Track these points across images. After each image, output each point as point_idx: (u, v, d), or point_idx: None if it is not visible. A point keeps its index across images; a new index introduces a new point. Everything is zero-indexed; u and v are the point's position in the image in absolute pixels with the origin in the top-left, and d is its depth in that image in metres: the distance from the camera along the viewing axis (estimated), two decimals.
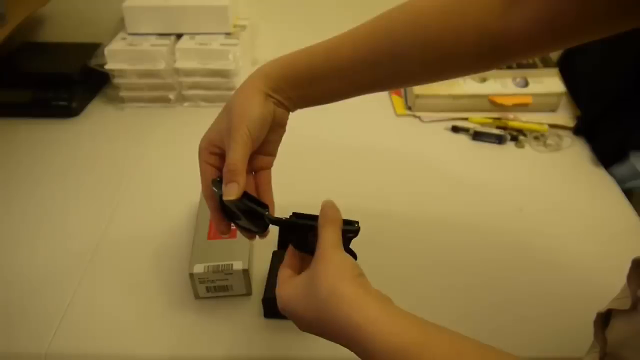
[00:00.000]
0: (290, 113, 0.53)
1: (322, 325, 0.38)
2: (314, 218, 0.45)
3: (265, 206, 0.49)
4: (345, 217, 0.45)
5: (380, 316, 0.36)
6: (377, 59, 0.48)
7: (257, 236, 0.52)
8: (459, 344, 0.35)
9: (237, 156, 0.46)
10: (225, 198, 0.46)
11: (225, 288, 0.60)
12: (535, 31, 0.41)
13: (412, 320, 0.36)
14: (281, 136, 0.53)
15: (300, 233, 0.46)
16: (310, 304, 0.39)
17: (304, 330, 0.42)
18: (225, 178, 0.47)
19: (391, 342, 0.34)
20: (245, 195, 0.47)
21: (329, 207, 0.44)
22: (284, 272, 0.45)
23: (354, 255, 0.45)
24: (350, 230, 0.45)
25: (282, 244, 0.48)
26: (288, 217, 0.47)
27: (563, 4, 0.39)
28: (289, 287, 0.42)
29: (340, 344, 0.38)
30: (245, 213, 0.48)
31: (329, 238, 0.42)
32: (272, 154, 0.54)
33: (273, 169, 0.54)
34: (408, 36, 0.47)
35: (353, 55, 0.48)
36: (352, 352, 0.37)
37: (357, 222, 0.46)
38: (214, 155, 0.51)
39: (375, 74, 0.49)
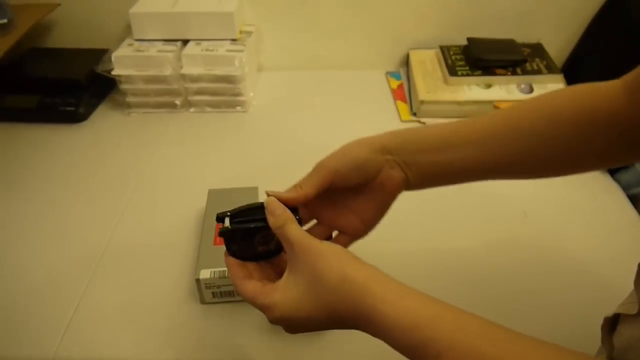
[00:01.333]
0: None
1: (335, 316, 0.39)
2: (259, 219, 0.45)
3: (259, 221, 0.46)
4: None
5: (391, 295, 0.37)
6: (507, 138, 0.48)
7: None
8: (464, 317, 0.37)
9: (306, 179, 0.48)
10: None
11: (231, 293, 0.61)
12: None
13: (419, 296, 0.38)
14: (382, 207, 0.52)
15: (249, 237, 0.46)
16: (320, 300, 0.39)
17: (307, 331, 0.43)
18: None
19: (404, 319, 0.36)
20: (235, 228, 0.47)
21: (277, 206, 0.44)
22: (253, 284, 0.44)
23: None
24: (299, 220, 0.45)
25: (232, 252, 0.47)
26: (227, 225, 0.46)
27: None
28: (280, 293, 0.42)
29: (353, 328, 0.39)
30: (250, 239, 0.47)
31: (300, 233, 0.42)
32: (364, 225, 0.52)
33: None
34: (542, 117, 0.47)
35: (484, 128, 0.48)
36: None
37: (297, 209, 0.46)
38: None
39: (502, 152, 0.48)
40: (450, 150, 0.49)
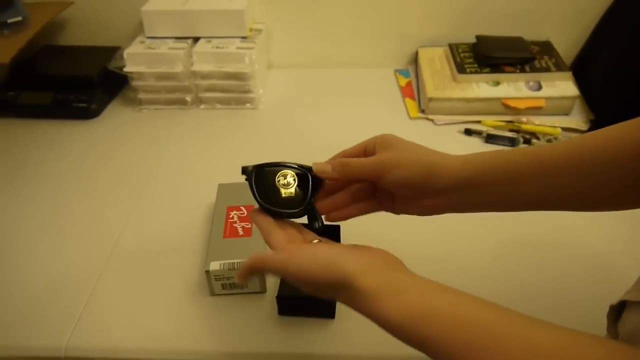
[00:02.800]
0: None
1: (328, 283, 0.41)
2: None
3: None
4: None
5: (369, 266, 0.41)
6: (574, 166, 0.48)
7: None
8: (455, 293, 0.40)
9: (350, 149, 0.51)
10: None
11: (240, 285, 0.62)
12: None
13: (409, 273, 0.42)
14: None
15: (270, 176, 0.51)
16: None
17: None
18: None
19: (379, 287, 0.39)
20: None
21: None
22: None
23: (321, 220, 0.50)
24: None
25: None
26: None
27: None
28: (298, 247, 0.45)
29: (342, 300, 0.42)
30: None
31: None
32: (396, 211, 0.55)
33: None
34: (600, 149, 0.46)
35: (554, 156, 0.48)
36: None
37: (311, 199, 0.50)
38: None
39: (564, 182, 0.49)
40: (519, 185, 0.50)
